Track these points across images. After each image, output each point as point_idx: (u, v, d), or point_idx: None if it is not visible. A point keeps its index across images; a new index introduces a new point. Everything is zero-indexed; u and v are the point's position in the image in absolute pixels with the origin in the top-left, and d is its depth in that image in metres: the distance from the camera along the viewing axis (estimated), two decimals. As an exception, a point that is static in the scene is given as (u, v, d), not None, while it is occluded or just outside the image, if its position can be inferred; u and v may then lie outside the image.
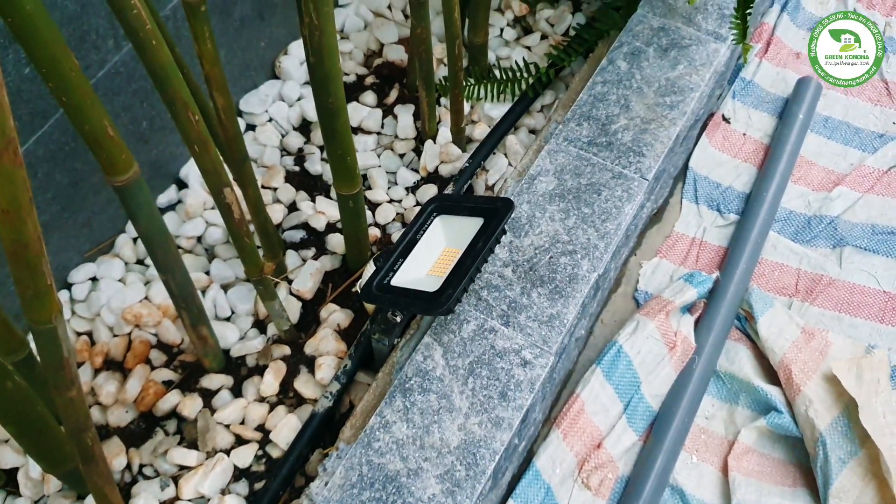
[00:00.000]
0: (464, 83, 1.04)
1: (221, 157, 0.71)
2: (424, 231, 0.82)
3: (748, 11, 0.81)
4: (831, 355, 1.17)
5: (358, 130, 1.05)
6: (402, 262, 0.82)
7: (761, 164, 1.36)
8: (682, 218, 1.34)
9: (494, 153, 1.03)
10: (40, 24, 0.53)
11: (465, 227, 0.79)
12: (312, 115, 1.07)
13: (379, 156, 1.03)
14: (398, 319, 0.81)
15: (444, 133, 1.04)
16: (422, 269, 0.82)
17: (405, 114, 1.08)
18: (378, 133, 1.05)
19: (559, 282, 0.81)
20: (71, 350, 0.67)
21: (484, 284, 0.83)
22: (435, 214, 0.83)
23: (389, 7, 1.14)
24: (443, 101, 1.07)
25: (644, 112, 0.89)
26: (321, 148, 1.05)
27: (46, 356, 0.64)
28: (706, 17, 0.96)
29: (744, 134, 1.41)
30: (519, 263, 0.83)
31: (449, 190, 0.95)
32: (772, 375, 1.16)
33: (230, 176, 0.73)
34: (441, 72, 1.11)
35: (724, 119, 1.42)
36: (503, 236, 0.81)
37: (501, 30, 1.14)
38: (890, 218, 1.32)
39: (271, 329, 0.98)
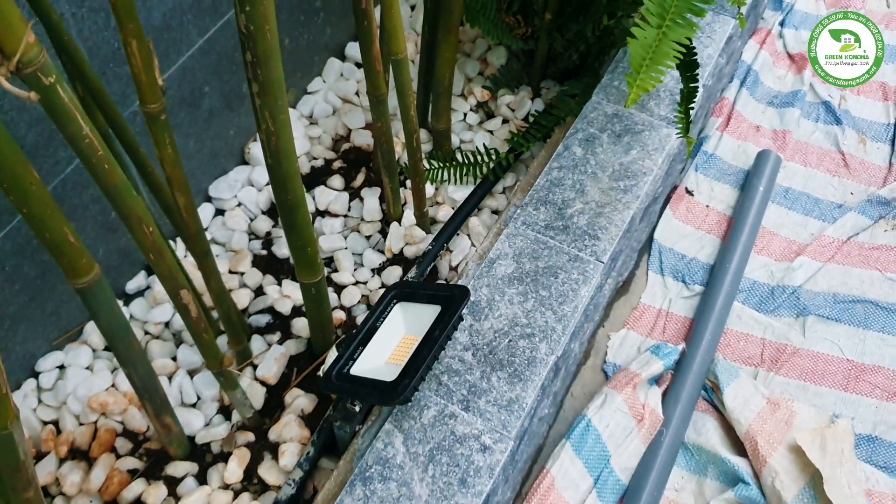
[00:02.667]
0: (427, 167, 1.07)
1: (186, 249, 0.73)
2: (384, 319, 0.83)
3: (691, 106, 0.85)
4: (796, 425, 1.18)
5: (325, 213, 1.07)
6: (361, 350, 0.83)
7: (724, 235, 1.40)
8: (649, 289, 1.36)
9: (458, 234, 1.06)
10: (1, 146, 0.55)
11: (424, 315, 0.80)
12: None
13: (346, 238, 1.05)
14: (357, 409, 0.82)
15: (409, 215, 1.07)
16: (381, 357, 0.83)
17: (371, 196, 1.11)
18: (345, 216, 1.08)
19: (518, 365, 0.83)
20: (27, 452, 0.68)
21: (444, 369, 0.84)
22: (395, 302, 0.85)
23: (357, 93, 1.18)
24: (408, 183, 1.10)
25: (599, 196, 0.92)
26: None
27: (3, 460, 0.64)
28: (658, 103, 1.00)
29: (707, 206, 1.45)
30: (479, 347, 0.84)
31: (412, 272, 0.97)
32: (739, 446, 1.17)
33: (195, 263, 0.75)
34: (406, 156, 1.14)
35: (688, 192, 1.45)
36: (461, 323, 0.83)
37: (465, 114, 1.17)
38: (850, 287, 1.35)
39: (236, 415, 0.99)
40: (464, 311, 0.81)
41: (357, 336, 0.84)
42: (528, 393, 0.82)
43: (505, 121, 1.23)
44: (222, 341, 1.01)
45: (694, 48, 0.88)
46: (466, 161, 1.07)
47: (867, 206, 1.42)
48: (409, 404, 0.83)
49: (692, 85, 0.85)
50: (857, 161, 1.50)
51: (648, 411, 1.16)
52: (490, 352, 0.84)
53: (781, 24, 1.67)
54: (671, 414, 1.18)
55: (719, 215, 1.43)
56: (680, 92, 0.86)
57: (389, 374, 0.79)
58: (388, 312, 0.84)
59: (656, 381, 1.25)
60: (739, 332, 1.31)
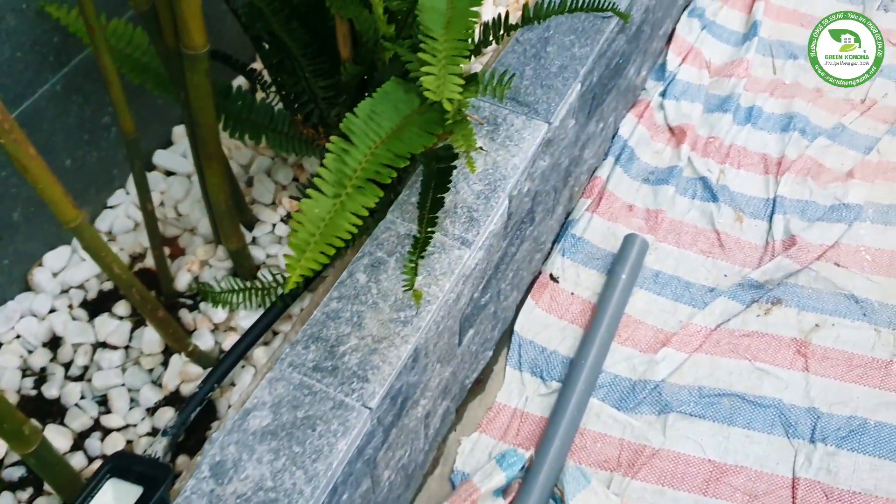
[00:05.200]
0: (218, 290, 1.02)
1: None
2: (94, 495, 0.77)
3: (422, 255, 0.79)
4: (643, 542, 1.12)
5: (104, 346, 1.01)
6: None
7: (588, 325, 1.34)
8: (505, 387, 1.30)
9: (243, 366, 1.00)
10: None
11: (129, 496, 0.74)
12: (62, 329, 1.04)
13: (125, 371, 0.99)
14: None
15: (198, 343, 1.00)
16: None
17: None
18: (126, 347, 1.01)
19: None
20: None
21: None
22: (108, 476, 0.78)
23: (162, 204, 1.12)
24: (202, 306, 1.05)
25: (377, 329, 0.87)
26: (66, 365, 1.01)
27: None
28: (455, 220, 0.95)
29: (572, 293, 1.39)
30: (219, 517, 0.78)
31: (175, 417, 0.91)
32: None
33: None
34: (207, 273, 1.08)
35: (552, 278, 1.40)
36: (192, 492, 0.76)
37: (274, 226, 1.12)
38: (717, 379, 1.30)
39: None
40: (166, 493, 0.74)
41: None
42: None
43: (312, 234, 1.16)
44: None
45: (449, 179, 0.81)
46: (252, 286, 1.01)
47: (739, 291, 1.37)
48: None
49: (430, 231, 0.79)
50: (733, 240, 1.44)
51: (488, 529, 1.11)
52: (231, 524, 0.77)
53: (663, 94, 1.62)
54: (514, 529, 1.13)
55: (584, 303, 1.38)
56: (414, 240, 0.80)
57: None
58: (100, 489, 0.77)
59: (503, 492, 1.19)
60: (597, 432, 1.26)
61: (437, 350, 0.97)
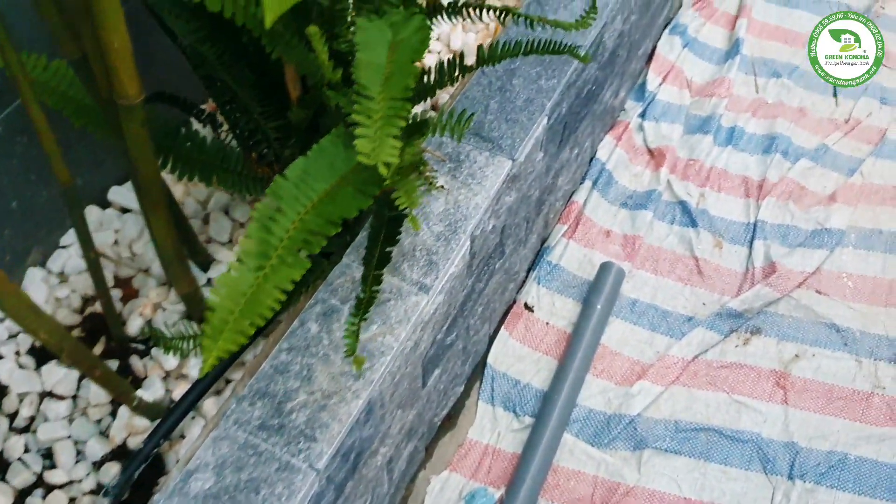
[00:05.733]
0: (169, 336, 0.98)
1: None
2: None
3: (364, 318, 0.76)
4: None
5: (51, 395, 0.97)
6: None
7: (562, 358, 1.31)
8: (477, 422, 1.27)
9: (193, 417, 0.96)
10: None
11: None
12: (7, 377, 1.00)
13: (71, 422, 0.95)
14: None
15: (148, 391, 0.96)
16: None
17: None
18: (74, 397, 0.98)
19: None
20: None
21: None
22: None
23: (116, 243, 1.09)
24: (154, 351, 1.01)
25: (327, 384, 0.83)
26: (11, 416, 0.97)
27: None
28: (413, 264, 0.92)
29: (547, 323, 1.36)
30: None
31: (118, 476, 0.87)
32: None
33: None
34: (160, 316, 1.05)
35: (527, 307, 1.37)
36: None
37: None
38: (694, 412, 1.26)
39: None
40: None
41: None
42: None
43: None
44: None
45: (399, 231, 0.78)
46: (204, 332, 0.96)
47: (717, 320, 1.34)
48: None
49: (374, 290, 0.75)
50: (712, 267, 1.41)
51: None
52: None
53: (642, 115, 1.59)
54: (482, 573, 1.10)
55: (560, 333, 1.34)
56: (357, 301, 0.76)
57: None
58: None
59: (471, 532, 1.16)
60: (570, 469, 1.23)
61: (396, 398, 0.93)
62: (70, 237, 1.10)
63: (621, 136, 1.56)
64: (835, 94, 1.64)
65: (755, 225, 1.45)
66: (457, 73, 0.83)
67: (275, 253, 0.56)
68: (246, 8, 0.69)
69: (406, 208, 0.66)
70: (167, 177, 0.93)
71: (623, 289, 1.37)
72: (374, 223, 0.79)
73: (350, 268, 0.92)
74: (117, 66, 0.69)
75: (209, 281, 1.09)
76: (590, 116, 1.34)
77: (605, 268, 1.36)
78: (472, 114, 0.91)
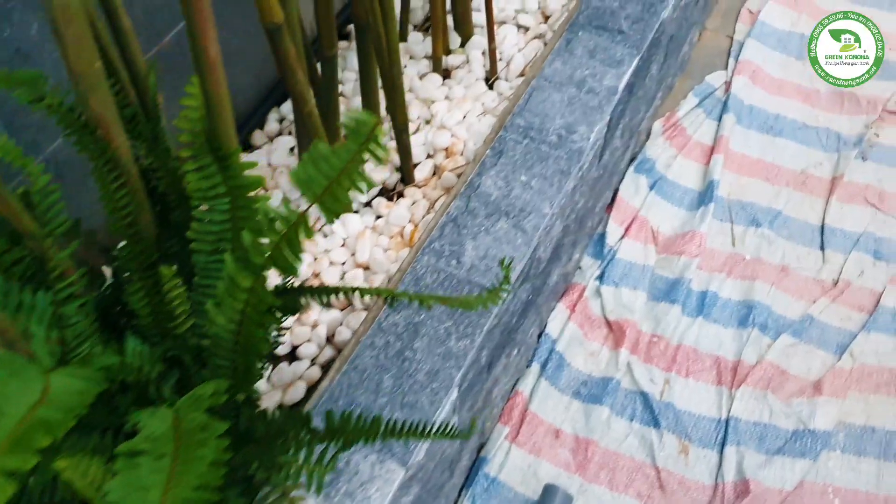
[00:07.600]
0: None
1: None
2: None
3: None
4: None
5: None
6: None
7: None
8: None
9: None
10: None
11: None
12: None
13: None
14: None
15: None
16: None
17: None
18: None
19: None
20: None
21: None
22: None
23: None
24: None
25: None
26: None
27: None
28: None
29: (481, 557, 1.16)
30: None
31: None
32: None
33: None
34: None
35: (459, 537, 1.17)
36: None
37: None
38: None
39: None
40: None
41: None
42: None
43: None
44: None
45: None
46: None
47: (680, 555, 1.14)
48: None
49: None
50: (676, 480, 1.21)
51: None
52: None
53: (600, 278, 1.39)
54: None
55: (496, 571, 1.14)
56: None
57: None
58: None
59: None
60: None
61: None
62: None
63: (575, 306, 1.35)
64: (822, 248, 1.43)
65: (727, 423, 1.25)
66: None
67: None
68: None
69: None
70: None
71: (572, 512, 1.17)
72: None
73: None
74: None
75: None
76: (533, 311, 1.14)
77: (549, 491, 1.16)
78: (334, 455, 0.69)
